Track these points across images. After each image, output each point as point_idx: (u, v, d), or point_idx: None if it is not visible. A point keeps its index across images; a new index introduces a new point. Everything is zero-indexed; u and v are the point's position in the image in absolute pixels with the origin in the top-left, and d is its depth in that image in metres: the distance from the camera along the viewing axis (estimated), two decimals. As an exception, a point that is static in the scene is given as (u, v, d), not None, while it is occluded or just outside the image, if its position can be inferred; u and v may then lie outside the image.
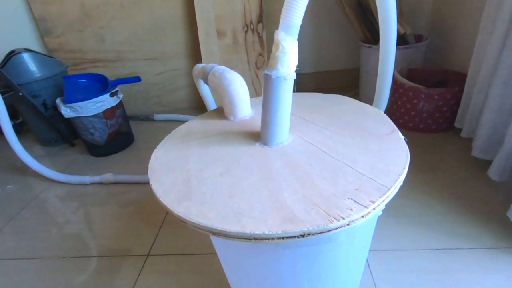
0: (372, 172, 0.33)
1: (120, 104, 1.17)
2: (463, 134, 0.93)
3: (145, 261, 0.69)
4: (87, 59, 1.44)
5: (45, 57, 1.22)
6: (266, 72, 0.37)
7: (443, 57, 1.20)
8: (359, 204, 0.29)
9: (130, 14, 1.34)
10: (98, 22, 1.36)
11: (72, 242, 0.78)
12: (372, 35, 1.24)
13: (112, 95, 1.11)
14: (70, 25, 1.37)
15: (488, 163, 0.81)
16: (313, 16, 1.38)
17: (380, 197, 0.29)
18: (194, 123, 0.51)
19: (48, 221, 0.87)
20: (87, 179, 1.01)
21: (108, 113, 1.12)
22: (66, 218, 0.87)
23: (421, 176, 0.84)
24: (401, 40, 1.15)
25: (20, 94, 1.12)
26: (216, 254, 0.69)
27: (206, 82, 0.55)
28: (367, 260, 0.63)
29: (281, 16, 0.37)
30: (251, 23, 1.23)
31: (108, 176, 0.99)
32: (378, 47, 1.15)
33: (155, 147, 0.45)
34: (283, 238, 0.27)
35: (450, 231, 0.68)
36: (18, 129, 1.40)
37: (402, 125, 1.08)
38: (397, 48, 1.16)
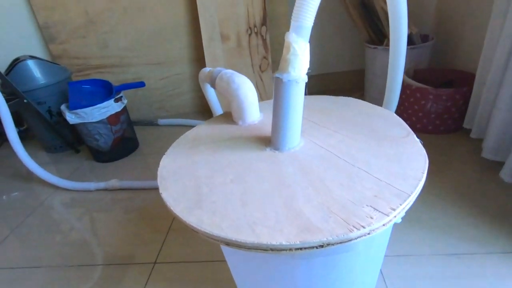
0: (389, 177, 0.32)
1: (124, 110, 1.17)
2: (472, 135, 0.91)
3: (152, 269, 0.68)
4: (91, 65, 1.44)
5: (49, 63, 1.23)
6: (277, 75, 0.36)
7: (450, 57, 1.19)
8: (379, 211, 0.28)
9: (134, 19, 1.34)
10: (101, 28, 1.36)
11: (77, 250, 0.77)
12: (376, 36, 1.23)
13: (116, 100, 1.11)
14: (74, 32, 1.37)
15: (499, 164, 0.79)
16: (316, 17, 1.37)
17: (400, 204, 0.28)
18: (202, 129, 0.51)
19: (53, 229, 0.86)
20: (92, 185, 1.00)
21: (113, 119, 1.11)
22: (71, 226, 0.87)
23: (431, 179, 0.82)
24: (407, 40, 1.14)
25: (25, 101, 1.12)
26: (225, 260, 0.68)
27: (213, 86, 0.54)
28: (379, 266, 0.62)
29: (292, 17, 0.36)
30: (255, 26, 1.22)
31: (114, 182, 0.99)
32: (383, 48, 1.14)
33: (160, 153, 0.44)
34: (301, 249, 0.26)
35: (464, 235, 0.66)
36: (23, 136, 1.40)
37: (410, 127, 1.06)
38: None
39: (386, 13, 1.10)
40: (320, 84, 1.52)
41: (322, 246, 0.26)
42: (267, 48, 1.24)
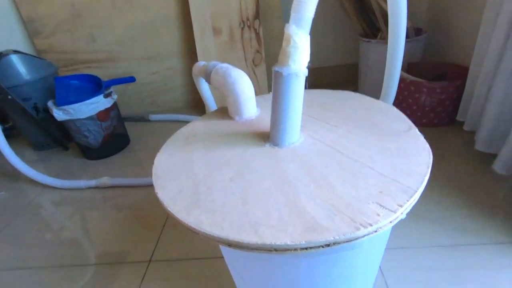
0: (394, 173, 0.31)
1: (114, 105, 1.13)
2: (466, 127, 0.92)
3: (147, 267, 0.67)
4: (78, 59, 1.40)
5: (34, 58, 1.18)
6: (276, 69, 0.35)
7: (443, 50, 1.19)
8: (386, 208, 0.27)
9: (122, 13, 1.30)
10: (89, 21, 1.32)
11: (69, 249, 0.75)
12: (370, 29, 1.22)
13: (106, 96, 1.08)
14: (59, 25, 1.32)
15: (493, 156, 0.80)
16: (310, 11, 1.36)
17: (407, 200, 0.27)
18: (197, 125, 0.49)
19: (43, 229, 0.83)
20: (82, 183, 0.97)
21: (103, 115, 1.08)
22: (62, 225, 0.84)
23: (426, 172, 0.82)
24: (400, 33, 1.13)
25: (9, 97, 1.07)
26: (222, 257, 0.67)
27: (208, 80, 0.52)
28: (377, 260, 0.62)
29: (292, 8, 0.35)
30: (248, 19, 1.20)
31: (105, 180, 0.96)
32: (377, 41, 1.12)
33: (152, 149, 0.43)
34: (306, 248, 0.25)
35: (459, 226, 0.67)
36: (9, 134, 1.35)
37: (403, 120, 1.06)
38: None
39: (380, 7, 1.09)
40: (313, 78, 1.51)
41: (328, 246, 0.25)
42: (260, 41, 1.22)
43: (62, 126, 1.14)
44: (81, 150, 1.17)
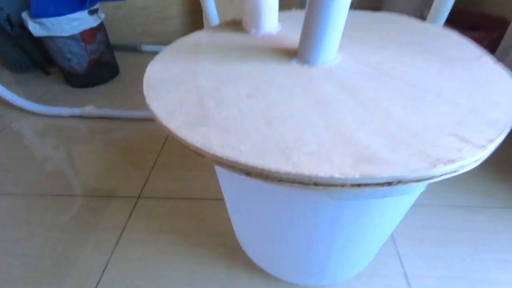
0: (471, 102, 0.23)
1: (101, 27, 0.99)
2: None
3: (136, 203, 0.61)
4: (59, -31, 1.19)
5: (4, -42, 0.98)
6: None
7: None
8: (469, 142, 0.19)
9: None
10: None
11: (49, 179, 0.68)
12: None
13: (91, 13, 0.92)
14: None
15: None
16: None
17: (498, 135, 0.20)
18: (202, 35, 0.39)
19: (20, 155, 0.76)
20: (64, 111, 0.87)
21: (87, 36, 0.94)
22: (44, 154, 0.76)
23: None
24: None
25: (-25, 2, 0.91)
26: (218, 199, 0.61)
27: (218, -20, 0.40)
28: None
29: None
30: None
31: (90, 109, 0.86)
32: None
33: (144, 80, 0.33)
34: (359, 185, 0.18)
35: (478, 188, 0.62)
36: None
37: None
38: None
39: None
40: None
41: (390, 184, 0.18)
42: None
43: (42, 46, 1.00)
44: (64, 75, 1.04)
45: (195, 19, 1.30)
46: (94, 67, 1.01)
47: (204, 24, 0.55)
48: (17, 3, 1.00)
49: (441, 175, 0.18)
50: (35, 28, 0.87)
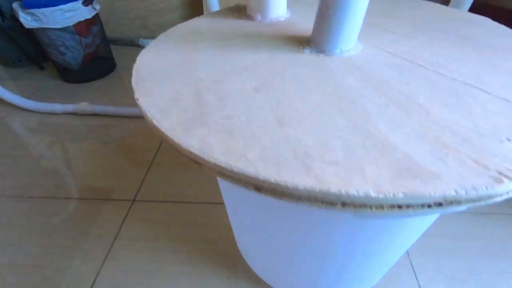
0: (527, 99, 0.19)
1: (97, 19, 0.94)
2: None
3: (130, 207, 0.57)
4: (53, -41, 1.14)
5: None
6: None
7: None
8: (539, 150, 0.15)
9: None
10: None
11: (39, 180, 0.64)
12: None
13: (86, 4, 0.88)
14: None
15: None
16: None
17: None
18: (202, 21, 0.34)
19: (10, 154, 0.72)
20: (58, 107, 0.83)
21: (82, 28, 0.90)
22: (34, 153, 0.72)
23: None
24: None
25: (-37, -8, 0.86)
26: (217, 203, 0.57)
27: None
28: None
29: None
30: None
31: (84, 106, 0.82)
32: None
33: (133, 71, 0.28)
34: (401, 206, 0.14)
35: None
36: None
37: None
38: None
39: None
40: None
41: (440, 205, 0.14)
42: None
43: (35, 39, 0.96)
44: (58, 70, 1.00)
45: (195, 12, 1.25)
46: (89, 62, 0.96)
47: (204, 11, 0.51)
48: (8, -6, 0.95)
49: (508, 193, 0.14)
50: (27, 19, 0.83)
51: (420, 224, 0.27)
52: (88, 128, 0.79)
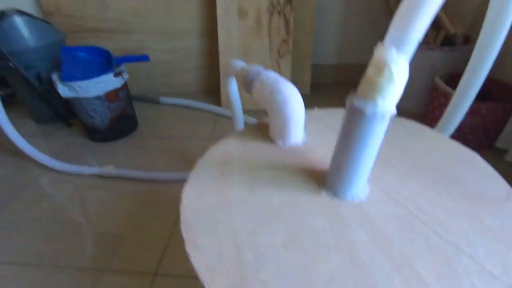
0: (507, 273, 0.24)
1: (124, 85, 1.04)
2: (508, 158, 0.84)
3: (152, 281, 0.61)
4: (87, 27, 1.28)
5: (40, 22, 1.07)
6: (356, 102, 0.27)
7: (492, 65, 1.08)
8: None
9: (140, -21, 1.17)
10: (102, -15, 1.19)
11: (57, 247, 0.69)
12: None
13: (116, 75, 0.98)
14: (69, -14, 1.20)
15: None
16: (345, 3, 1.23)
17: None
18: (232, 145, 0.41)
19: (35, 216, 0.77)
20: (85, 170, 0.90)
21: (111, 96, 0.99)
22: (57, 217, 0.78)
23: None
24: (447, 40, 1.02)
25: (11, 64, 0.98)
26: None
27: (247, 89, 0.43)
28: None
29: (394, 23, 0.26)
30: (278, 3, 1.07)
31: (109, 169, 0.89)
32: (423, 51, 1.00)
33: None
34: None
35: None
36: (9, 101, 1.26)
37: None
38: (442, 49, 1.03)
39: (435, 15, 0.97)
40: (336, 75, 1.40)
41: None
42: (289, 31, 1.11)
43: (67, 103, 1.05)
44: (85, 129, 1.08)
45: (209, 73, 1.36)
46: (115, 123, 1.05)
47: (231, 113, 0.59)
48: (47, 62, 1.07)
49: None
50: (64, 90, 0.92)
51: None
52: (111, 191, 0.85)
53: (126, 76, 1.02)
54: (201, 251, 0.26)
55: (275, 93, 0.38)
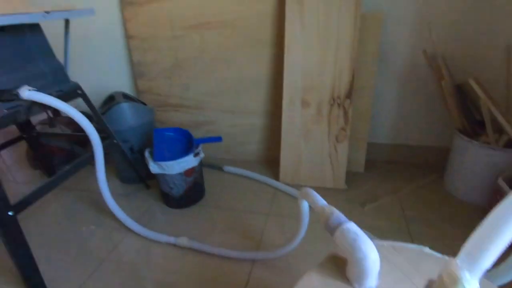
0: None
1: (200, 162, 1.21)
2: None
3: None
4: (170, 103, 1.52)
5: (139, 104, 1.31)
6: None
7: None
8: None
9: (217, 69, 1.39)
10: (186, 72, 1.44)
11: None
12: (470, 126, 1.14)
13: (195, 155, 1.15)
14: (161, 72, 1.46)
15: None
16: (402, 83, 1.32)
17: None
18: (314, 283, 0.49)
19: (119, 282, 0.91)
20: (163, 238, 1.05)
21: (189, 172, 1.16)
22: (136, 283, 0.91)
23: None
24: (510, 143, 1.05)
25: (115, 141, 1.20)
26: None
27: (329, 231, 0.53)
28: None
29: (467, 249, 0.33)
30: (339, 97, 1.20)
31: (184, 241, 1.02)
32: (480, 145, 1.03)
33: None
34: None
35: None
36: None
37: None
38: (505, 151, 1.05)
39: (490, 112, 1.02)
40: (393, 154, 1.45)
41: None
42: (347, 120, 1.22)
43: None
44: (162, 195, 1.26)
45: (269, 146, 1.50)
46: (188, 192, 1.21)
47: (300, 223, 0.68)
48: (140, 137, 1.29)
49: None
50: (154, 167, 1.11)
51: None
52: (186, 262, 0.97)
53: (202, 155, 1.19)
54: None
55: (356, 249, 0.47)
